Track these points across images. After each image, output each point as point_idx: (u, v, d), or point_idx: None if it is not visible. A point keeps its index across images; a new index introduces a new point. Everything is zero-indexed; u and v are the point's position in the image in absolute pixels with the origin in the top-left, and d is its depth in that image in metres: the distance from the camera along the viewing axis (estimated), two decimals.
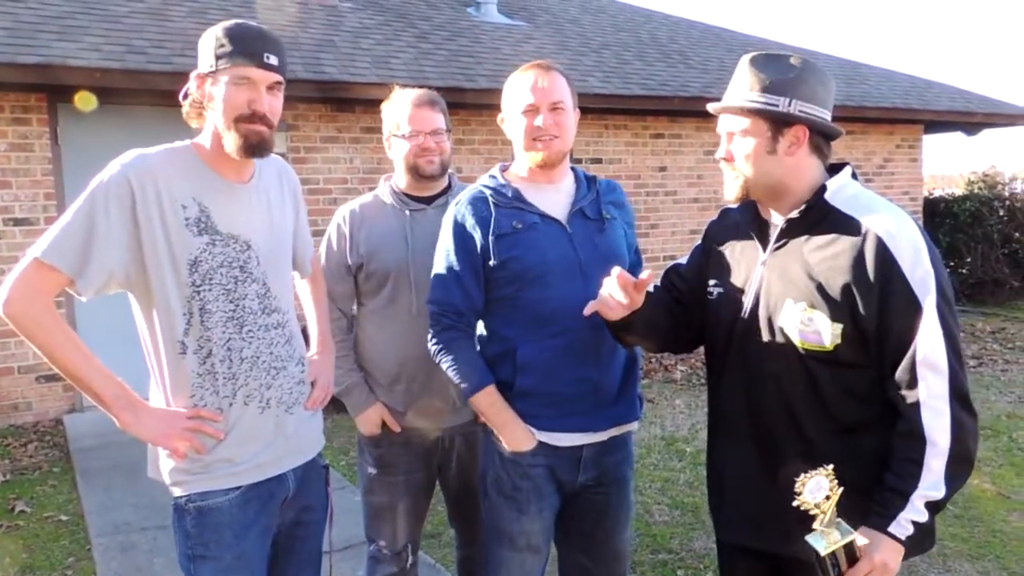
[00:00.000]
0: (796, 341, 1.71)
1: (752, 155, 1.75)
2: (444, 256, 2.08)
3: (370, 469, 2.46)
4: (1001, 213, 10.69)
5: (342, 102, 6.65)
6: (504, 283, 2.03)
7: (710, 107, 1.84)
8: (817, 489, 1.50)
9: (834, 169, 1.81)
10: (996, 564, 3.50)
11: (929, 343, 1.59)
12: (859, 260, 1.63)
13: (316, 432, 2.00)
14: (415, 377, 2.35)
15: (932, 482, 1.59)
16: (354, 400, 2.43)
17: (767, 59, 1.75)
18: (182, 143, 1.83)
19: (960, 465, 1.61)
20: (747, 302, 1.81)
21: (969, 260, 10.35)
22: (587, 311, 1.85)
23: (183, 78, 1.82)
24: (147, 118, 5.94)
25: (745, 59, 1.78)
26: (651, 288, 1.96)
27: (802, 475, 1.51)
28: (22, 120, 5.69)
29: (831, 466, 1.53)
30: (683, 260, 2.06)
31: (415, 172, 2.38)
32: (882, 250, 1.62)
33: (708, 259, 1.97)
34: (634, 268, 2.20)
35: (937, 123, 10.17)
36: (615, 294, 1.79)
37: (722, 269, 1.91)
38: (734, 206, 1.97)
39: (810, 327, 1.68)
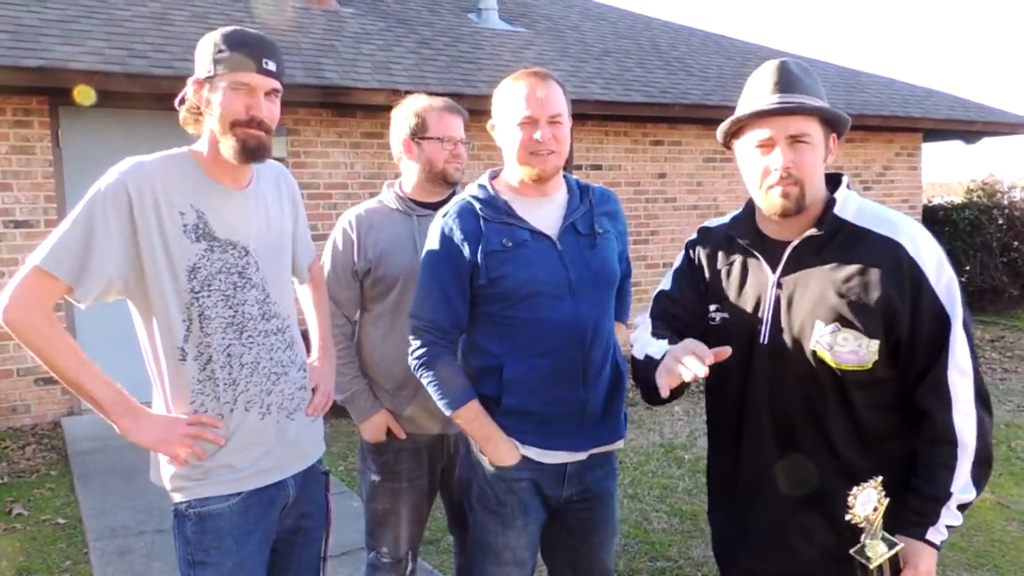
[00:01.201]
0: (831, 363, 1.64)
1: (816, 162, 1.64)
2: (429, 270, 2.01)
3: (373, 476, 2.44)
4: (1000, 221, 10.69)
5: (343, 107, 6.66)
6: (492, 300, 1.97)
7: (780, 106, 1.61)
8: (867, 501, 1.49)
9: (829, 180, 1.76)
10: (994, 573, 3.50)
11: (958, 349, 1.60)
12: (887, 272, 1.61)
13: (317, 438, 2.00)
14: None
15: (963, 484, 1.59)
16: (359, 407, 2.41)
17: (794, 65, 1.67)
18: (179, 150, 1.82)
19: (983, 466, 1.61)
20: (764, 327, 1.72)
21: (968, 268, 10.34)
22: (664, 390, 1.58)
23: (185, 82, 1.82)
24: (148, 121, 5.94)
25: (778, 62, 1.67)
26: (654, 320, 1.88)
27: (854, 488, 1.48)
28: (24, 123, 5.70)
29: (880, 478, 1.49)
30: (667, 286, 1.93)
31: (442, 176, 2.39)
32: (909, 261, 1.61)
33: (703, 284, 1.85)
34: (623, 276, 2.20)
35: (936, 131, 10.18)
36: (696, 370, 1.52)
37: (723, 293, 1.80)
38: (714, 223, 1.89)
39: (846, 347, 1.63)
